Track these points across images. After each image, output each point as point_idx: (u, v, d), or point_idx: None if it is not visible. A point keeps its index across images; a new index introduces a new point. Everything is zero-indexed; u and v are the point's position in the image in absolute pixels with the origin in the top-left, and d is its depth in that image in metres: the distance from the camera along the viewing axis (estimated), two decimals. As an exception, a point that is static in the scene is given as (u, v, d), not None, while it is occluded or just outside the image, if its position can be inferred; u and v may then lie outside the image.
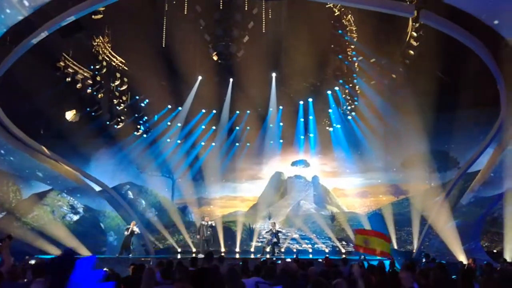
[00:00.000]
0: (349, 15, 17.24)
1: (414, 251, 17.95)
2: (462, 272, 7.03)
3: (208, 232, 16.91)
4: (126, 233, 17.15)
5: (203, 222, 17.14)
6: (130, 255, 17.04)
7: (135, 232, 17.18)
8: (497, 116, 13.47)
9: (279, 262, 8.77)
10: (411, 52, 15.44)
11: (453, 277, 7.40)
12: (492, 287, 5.16)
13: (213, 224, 17.37)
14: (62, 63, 16.71)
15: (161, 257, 15.18)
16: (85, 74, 17.89)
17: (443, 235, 16.11)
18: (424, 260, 13.34)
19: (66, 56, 16.99)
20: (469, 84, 14.86)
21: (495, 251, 17.55)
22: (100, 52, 17.63)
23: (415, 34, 14.64)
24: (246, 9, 16.38)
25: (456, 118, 17.24)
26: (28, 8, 11.15)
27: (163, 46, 17.64)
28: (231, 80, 20.76)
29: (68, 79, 17.02)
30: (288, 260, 9.32)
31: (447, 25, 11.67)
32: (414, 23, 14.64)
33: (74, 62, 17.41)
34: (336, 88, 20.25)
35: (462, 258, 14.98)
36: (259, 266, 6.83)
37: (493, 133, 13.76)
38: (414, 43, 14.97)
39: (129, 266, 8.43)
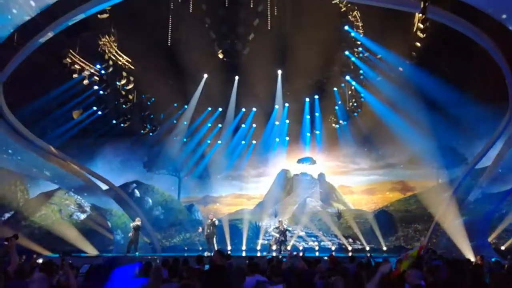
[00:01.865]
0: (355, 11, 17.14)
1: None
2: (470, 269, 6.97)
3: (209, 230, 16.97)
4: (132, 230, 17.29)
5: (208, 221, 17.20)
6: (137, 253, 17.13)
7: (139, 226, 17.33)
8: (505, 112, 13.36)
9: (285, 260, 8.76)
10: (418, 44, 15.31)
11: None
12: (502, 284, 5.12)
13: (216, 222, 17.40)
14: (69, 60, 16.79)
15: (168, 255, 15.23)
16: (92, 71, 17.96)
17: (451, 232, 16.00)
18: (428, 256, 13.22)
19: (73, 53, 17.05)
20: (477, 79, 14.74)
21: (503, 248, 17.42)
22: (106, 51, 17.70)
23: (421, 26, 14.52)
24: (251, 6, 16.33)
25: (463, 114, 17.11)
26: (35, 8, 11.20)
27: (169, 44, 17.65)
28: (236, 77, 20.74)
29: (75, 75, 17.10)
30: (294, 253, 9.32)
31: (454, 19, 11.60)
32: (420, 15, 14.48)
33: (81, 59, 17.49)
34: (343, 84, 20.16)
35: (470, 255, 14.87)
36: (256, 263, 6.81)
37: (501, 129, 13.65)
38: (421, 35, 14.84)
39: None
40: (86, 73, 17.70)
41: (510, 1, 9.73)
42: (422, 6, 11.81)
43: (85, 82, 17.63)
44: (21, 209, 19.67)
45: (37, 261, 10.64)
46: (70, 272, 5.97)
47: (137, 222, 17.43)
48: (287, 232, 17.88)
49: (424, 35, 14.77)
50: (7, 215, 19.20)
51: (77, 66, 17.25)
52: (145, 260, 10.12)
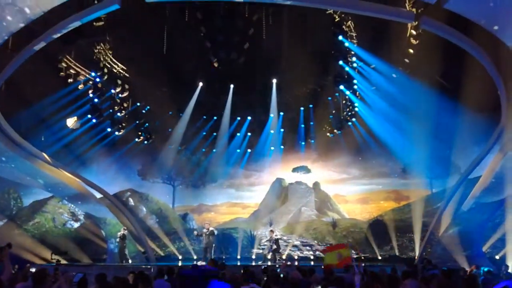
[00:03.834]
0: (349, 21, 17.30)
1: (416, 257, 17.88)
2: (465, 279, 6.98)
3: (207, 240, 16.80)
4: (118, 239, 17.31)
5: (204, 230, 16.98)
6: (130, 261, 17.03)
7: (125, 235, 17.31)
8: (498, 122, 13.47)
9: (279, 269, 8.76)
10: (411, 51, 15.47)
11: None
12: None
13: (214, 231, 17.24)
14: (64, 64, 16.77)
15: (162, 264, 15.13)
16: (87, 76, 17.94)
17: (445, 242, 16.05)
18: (422, 266, 13.25)
19: (68, 57, 17.04)
20: (470, 89, 14.86)
21: (497, 257, 17.46)
22: (101, 59, 17.71)
23: (414, 33, 14.71)
24: (246, 15, 16.44)
25: (457, 124, 17.23)
26: (30, 16, 11.20)
27: (164, 53, 17.71)
28: (231, 86, 20.78)
29: (70, 80, 17.08)
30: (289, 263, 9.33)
31: (447, 30, 11.71)
32: (413, 22, 14.64)
33: (76, 64, 17.48)
34: (337, 93, 20.27)
35: (464, 264, 14.91)
36: (251, 272, 6.81)
37: (494, 139, 13.75)
38: (414, 42, 15.01)
39: (128, 274, 8.29)
40: (81, 78, 17.70)
41: (502, 13, 9.86)
42: (415, 12, 11.99)
43: (80, 86, 17.61)
44: (14, 217, 19.48)
45: (30, 269, 10.52)
46: (63, 280, 5.92)
47: (123, 231, 17.42)
48: (280, 241, 17.81)
49: (417, 41, 14.94)
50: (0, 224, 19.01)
51: (72, 71, 17.24)
52: (139, 269, 10.01)
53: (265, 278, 6.90)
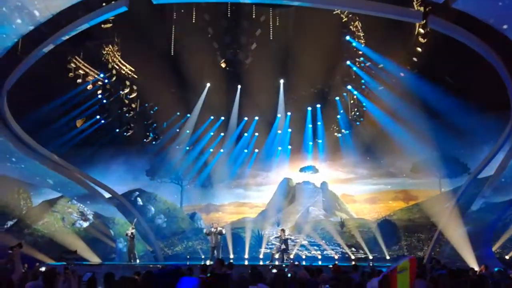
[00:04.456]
0: (357, 21, 17.26)
1: (425, 257, 17.79)
2: (474, 279, 6.93)
3: (216, 239, 16.80)
4: (128, 238, 17.32)
5: (212, 229, 16.99)
6: (138, 261, 17.12)
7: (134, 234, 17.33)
8: (507, 121, 13.37)
9: (286, 269, 8.76)
10: (419, 49, 15.38)
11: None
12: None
13: (223, 231, 17.22)
14: (73, 65, 16.91)
15: (170, 263, 15.20)
16: (96, 76, 18.08)
17: (454, 242, 15.94)
18: (431, 266, 13.16)
19: (77, 58, 17.18)
20: (479, 88, 14.77)
21: (507, 257, 17.33)
22: (110, 60, 17.84)
23: (422, 31, 14.63)
24: (253, 16, 16.49)
25: (466, 123, 17.12)
26: (39, 18, 11.32)
27: (172, 54, 17.77)
28: (239, 87, 20.81)
29: (79, 81, 17.20)
30: (296, 263, 9.34)
31: (455, 30, 11.66)
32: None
33: (85, 65, 17.63)
34: (345, 93, 20.22)
35: (474, 264, 14.80)
36: (259, 272, 6.80)
37: (503, 138, 13.66)
38: (422, 40, 14.93)
39: (134, 273, 8.14)
40: (90, 79, 17.85)
41: (511, 12, 9.78)
42: (422, 12, 11.94)
43: (89, 87, 17.75)
44: (24, 217, 19.72)
45: (40, 269, 10.63)
46: (72, 279, 5.97)
47: (131, 230, 17.47)
48: (288, 241, 17.79)
49: (425, 40, 14.86)
50: (10, 223, 19.26)
51: (81, 71, 17.39)
52: (146, 268, 10.06)
53: (272, 277, 6.90)
